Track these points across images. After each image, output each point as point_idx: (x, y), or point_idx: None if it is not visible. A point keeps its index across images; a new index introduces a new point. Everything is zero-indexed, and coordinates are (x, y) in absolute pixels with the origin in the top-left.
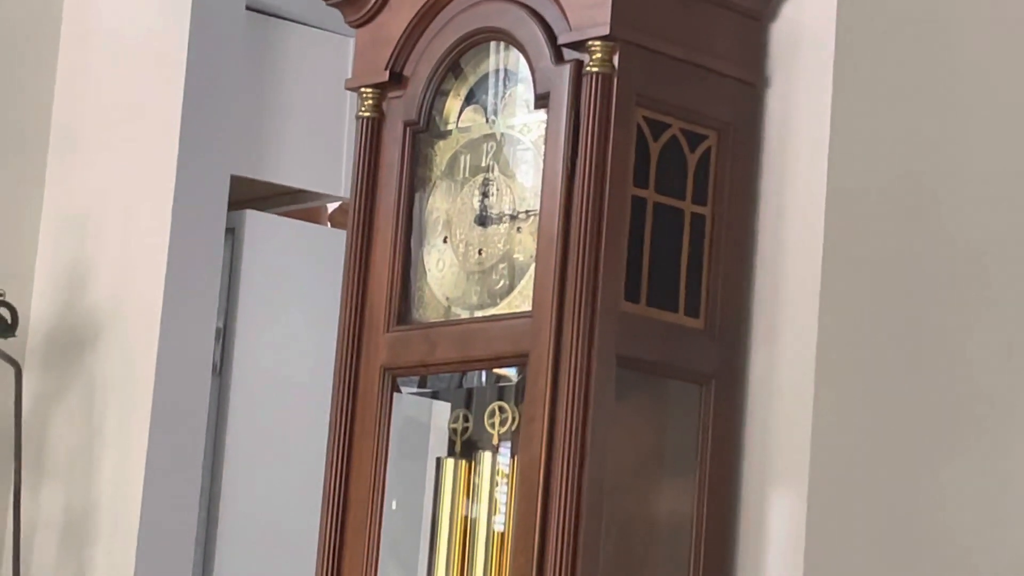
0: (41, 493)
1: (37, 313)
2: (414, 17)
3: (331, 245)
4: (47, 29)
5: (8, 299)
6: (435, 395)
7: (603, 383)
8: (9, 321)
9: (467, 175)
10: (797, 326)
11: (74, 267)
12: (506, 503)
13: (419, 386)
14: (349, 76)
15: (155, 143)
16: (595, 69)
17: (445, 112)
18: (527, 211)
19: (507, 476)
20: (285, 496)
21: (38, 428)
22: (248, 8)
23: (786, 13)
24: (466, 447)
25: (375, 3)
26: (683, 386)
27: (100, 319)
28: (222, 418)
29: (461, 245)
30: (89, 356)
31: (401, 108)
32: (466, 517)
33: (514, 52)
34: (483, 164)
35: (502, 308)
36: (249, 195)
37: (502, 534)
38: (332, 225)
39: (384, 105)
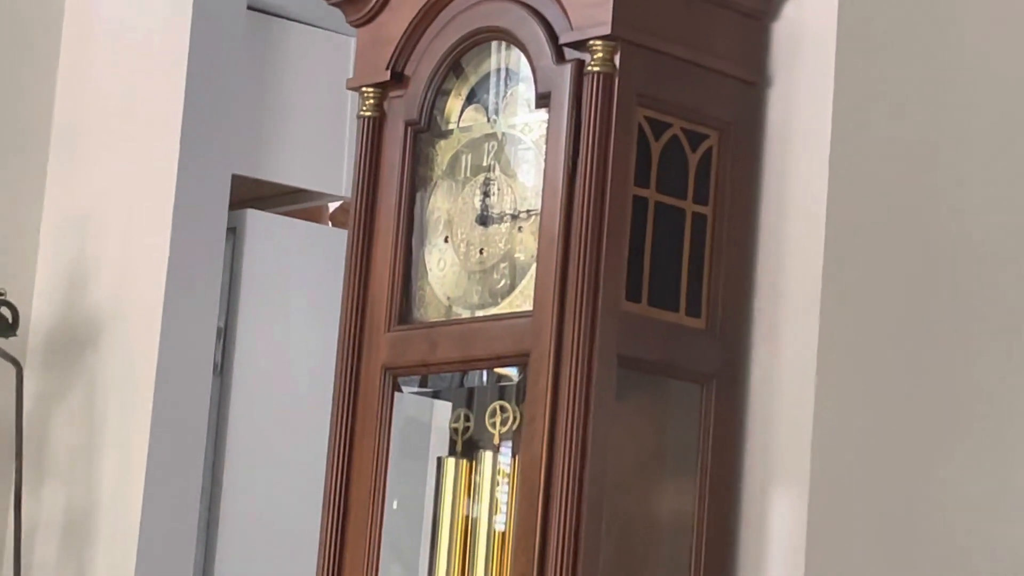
0: (42, 493)
1: (38, 312)
2: (415, 16)
3: (332, 245)
4: (48, 29)
5: (9, 298)
6: (436, 395)
7: (604, 383)
8: (10, 320)
9: (468, 175)
10: (798, 326)
11: (75, 266)
12: (507, 503)
13: (420, 385)
14: (350, 76)
15: (156, 143)
16: (596, 68)
17: (446, 112)
18: (528, 211)
19: (508, 476)
20: (286, 496)
21: (39, 428)
22: (249, 8)
23: (787, 13)
24: (467, 447)
25: (376, 3)
26: (684, 386)
27: (101, 319)
28: (223, 418)
29: (462, 245)
30: (90, 356)
31: (402, 108)
32: (467, 517)
33: (515, 51)
34: (484, 164)
35: (503, 308)
36: (250, 194)
37: (503, 534)
38: (333, 224)
39: (385, 105)
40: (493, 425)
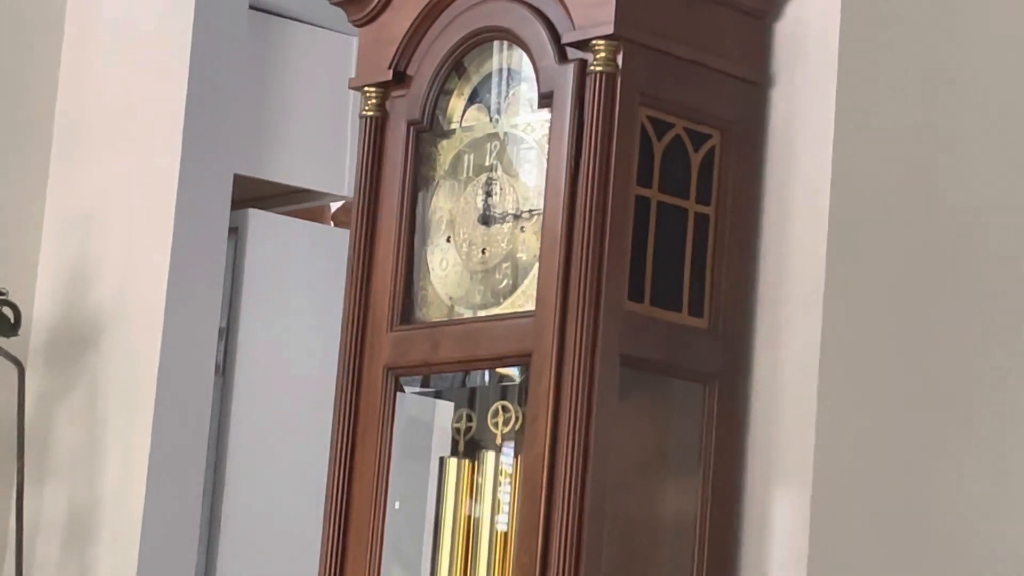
0: (44, 492)
1: (40, 312)
2: (417, 16)
3: (334, 244)
4: (50, 29)
5: (11, 298)
6: (438, 394)
7: (606, 383)
8: (12, 320)
9: (471, 174)
10: (801, 325)
11: (77, 266)
12: (509, 503)
13: (422, 385)
14: (352, 75)
15: (158, 142)
16: (599, 68)
17: (448, 111)
18: (531, 210)
19: (510, 476)
20: (288, 495)
21: (41, 427)
22: (251, 7)
23: (790, 12)
24: (469, 447)
25: (378, 2)
26: (687, 386)
27: (103, 318)
28: (225, 417)
29: (464, 244)
30: (92, 355)
31: (405, 107)
32: (469, 517)
33: (517, 51)
34: (487, 163)
35: (505, 307)
36: (252, 194)
37: (505, 534)
38: (335, 224)
39: (388, 104)
40: (495, 425)
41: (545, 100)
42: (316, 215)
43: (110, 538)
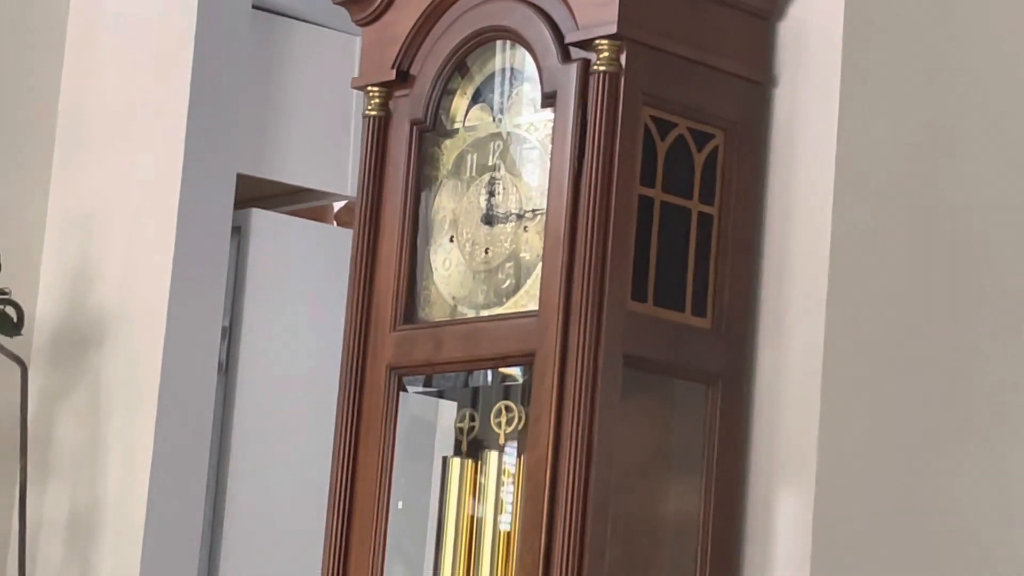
0: (47, 491)
1: (43, 312)
2: (421, 16)
3: (337, 244)
4: (53, 28)
5: (14, 298)
6: (441, 394)
7: (610, 382)
8: (15, 320)
9: (474, 174)
10: (804, 325)
11: (80, 265)
12: (512, 503)
13: (425, 385)
14: (356, 74)
15: (161, 142)
16: (602, 68)
17: (452, 111)
18: (534, 210)
19: (513, 475)
20: (291, 495)
21: (44, 427)
22: (254, 6)
23: (793, 12)
24: (472, 446)
25: (382, 2)
26: (690, 386)
27: (106, 318)
28: (228, 417)
29: (467, 244)
30: (95, 355)
31: (408, 107)
32: (472, 517)
33: (521, 51)
34: (490, 163)
35: (508, 307)
36: (255, 193)
37: (508, 533)
38: (338, 224)
39: (391, 104)
40: (498, 425)
41: (548, 100)
42: (319, 215)
43: (113, 537)
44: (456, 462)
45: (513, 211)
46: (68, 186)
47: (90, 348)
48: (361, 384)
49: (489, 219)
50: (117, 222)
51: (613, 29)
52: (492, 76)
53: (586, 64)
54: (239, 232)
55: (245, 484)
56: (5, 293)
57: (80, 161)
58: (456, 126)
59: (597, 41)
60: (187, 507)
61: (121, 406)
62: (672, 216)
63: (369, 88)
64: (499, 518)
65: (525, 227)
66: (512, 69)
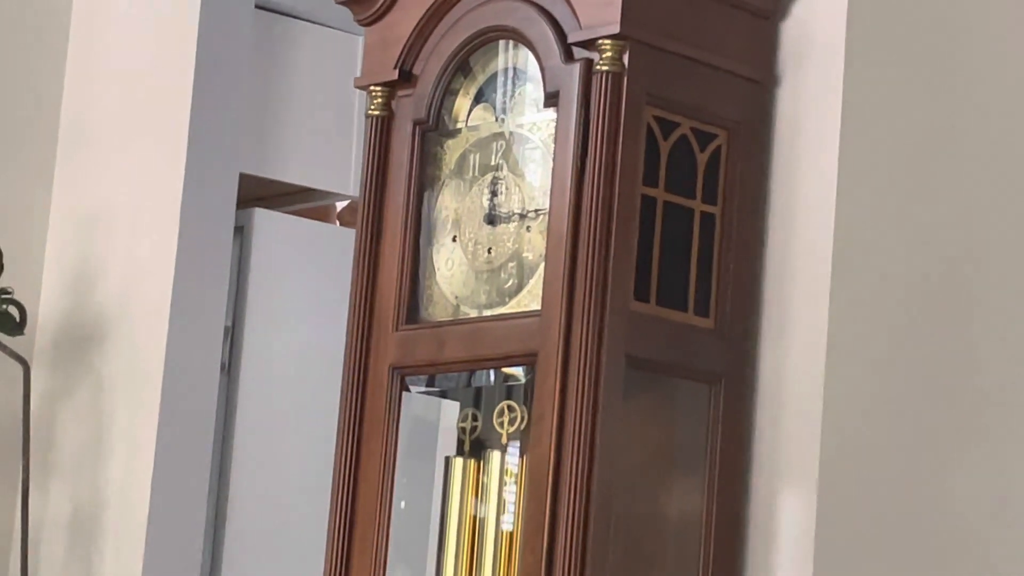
0: (49, 491)
1: (45, 311)
2: (423, 16)
3: (340, 244)
4: (56, 28)
5: (16, 297)
6: (444, 394)
7: (612, 382)
8: (17, 319)
9: (476, 174)
10: (807, 325)
11: (83, 265)
12: (515, 502)
13: (428, 385)
14: (358, 74)
15: (164, 141)
16: (605, 68)
17: (454, 111)
18: (536, 210)
19: (516, 475)
20: (293, 495)
21: (46, 426)
22: (257, 6)
23: (796, 12)
24: (475, 446)
25: (384, 1)
26: (692, 386)
27: (108, 317)
28: (230, 416)
29: (470, 244)
30: (97, 354)
31: (410, 107)
32: (475, 516)
33: (523, 51)
34: (492, 163)
35: (511, 307)
36: (258, 193)
37: (510, 533)
38: (341, 224)
39: (393, 103)
40: (501, 425)
41: (551, 99)
42: (322, 214)
43: (115, 537)
44: (459, 462)
45: (516, 211)
46: (71, 186)
47: (92, 348)
48: (364, 384)
49: (492, 219)
50: (120, 222)
51: (616, 29)
52: (495, 76)
53: (589, 64)
54: (242, 232)
55: (247, 484)
56: (8, 292)
57: (83, 161)
58: (459, 126)
59: (600, 41)
60: (189, 507)
61: (123, 406)
62: (675, 216)
63: (372, 88)
64: (501, 518)
65: (528, 227)
66: (515, 69)
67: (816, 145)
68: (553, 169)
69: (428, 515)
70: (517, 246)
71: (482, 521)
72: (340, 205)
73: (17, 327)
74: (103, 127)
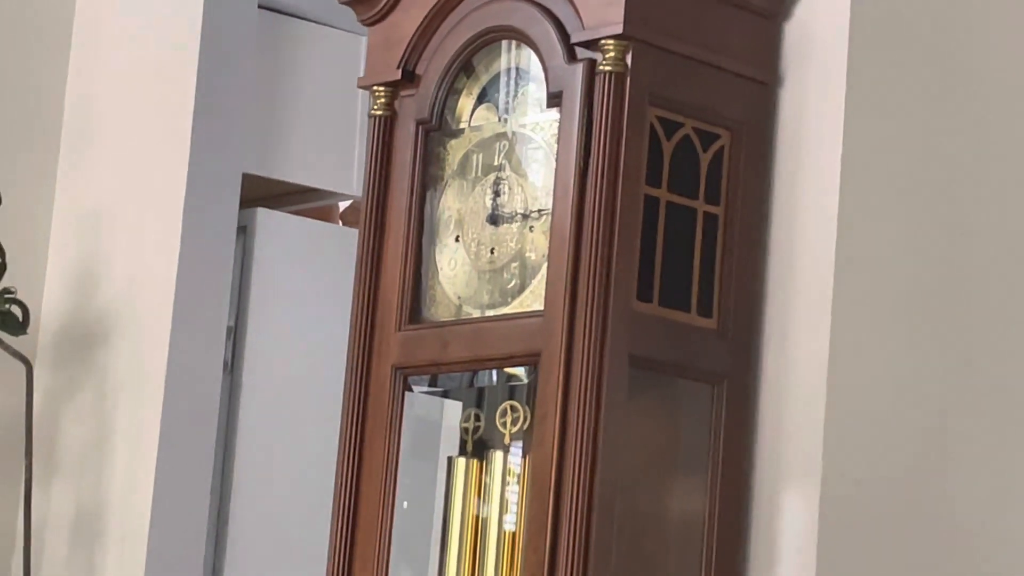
0: (52, 490)
1: (48, 310)
2: (426, 15)
3: (343, 244)
4: (59, 27)
5: (19, 296)
6: (446, 394)
7: (615, 383)
8: (20, 319)
9: (479, 174)
10: (810, 326)
11: (86, 264)
12: (517, 503)
13: (430, 385)
14: (361, 74)
15: (167, 141)
16: (608, 68)
17: (457, 111)
18: (539, 210)
19: (518, 476)
20: (296, 494)
21: (49, 425)
22: (260, 6)
23: (799, 13)
24: (477, 446)
25: (387, 1)
26: (695, 386)
27: (111, 317)
28: (233, 416)
29: (473, 244)
30: (100, 354)
31: (413, 107)
32: (477, 516)
33: (526, 51)
34: (495, 163)
35: (514, 307)
36: (261, 193)
37: (513, 534)
38: (344, 223)
39: (396, 103)
40: (503, 425)
41: (554, 100)
42: (325, 214)
43: (118, 536)
44: (461, 462)
45: (519, 211)
46: (74, 185)
47: (95, 347)
48: (366, 384)
49: (494, 219)
50: (123, 221)
51: (619, 29)
52: (498, 76)
53: (592, 64)
54: (245, 232)
55: (250, 483)
56: (11, 292)
57: (86, 160)
58: (462, 126)
59: (603, 41)
60: (192, 506)
61: (126, 405)
62: (678, 216)
63: (375, 88)
64: (504, 518)
65: (531, 227)
66: (518, 69)
67: (819, 145)
68: (556, 169)
69: (431, 515)
70: (520, 246)
71: (485, 521)
72: (343, 205)
73: (20, 327)
74: (106, 126)
